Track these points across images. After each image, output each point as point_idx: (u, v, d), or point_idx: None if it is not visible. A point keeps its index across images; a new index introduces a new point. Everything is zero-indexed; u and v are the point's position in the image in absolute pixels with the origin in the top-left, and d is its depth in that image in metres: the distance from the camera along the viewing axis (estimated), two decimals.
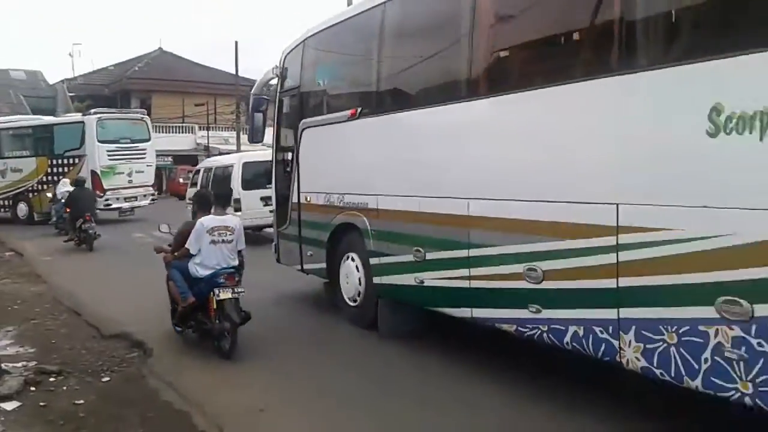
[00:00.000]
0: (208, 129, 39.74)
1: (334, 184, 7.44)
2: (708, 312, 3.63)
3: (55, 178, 20.27)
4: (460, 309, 5.65)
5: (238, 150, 30.25)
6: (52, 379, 5.99)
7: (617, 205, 4.11)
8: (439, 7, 6.03)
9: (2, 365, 6.05)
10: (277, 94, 8.79)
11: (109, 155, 20.83)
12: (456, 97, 5.60)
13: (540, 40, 5.10)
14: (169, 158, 37.22)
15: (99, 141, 20.68)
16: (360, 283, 7.22)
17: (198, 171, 17.16)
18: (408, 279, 6.25)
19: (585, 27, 4.62)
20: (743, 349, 3.50)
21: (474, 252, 5.35)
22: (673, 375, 3.89)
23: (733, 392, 3.58)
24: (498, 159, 5.17)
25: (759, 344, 3.42)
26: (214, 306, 6.35)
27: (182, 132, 41.12)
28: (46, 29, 75.55)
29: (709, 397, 3.77)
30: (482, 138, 5.35)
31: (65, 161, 21.01)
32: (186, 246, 6.62)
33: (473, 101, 5.39)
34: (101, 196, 19.36)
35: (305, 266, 8.31)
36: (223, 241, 6.60)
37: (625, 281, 4.11)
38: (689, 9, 3.99)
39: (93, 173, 20.30)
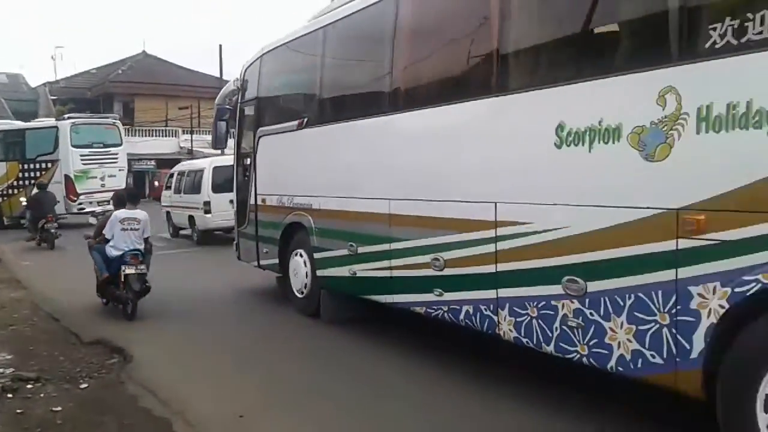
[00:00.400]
0: (191, 132, 40.00)
1: (286, 187, 8.32)
2: (557, 289, 4.45)
3: (28, 182, 20.62)
4: (384, 296, 6.52)
5: (222, 154, 30.90)
6: (29, 386, 5.94)
7: (495, 203, 4.95)
8: (364, 38, 7.03)
9: None
10: (238, 104, 9.65)
11: (82, 159, 21.19)
12: (375, 113, 6.53)
13: (437, 67, 6.03)
14: (153, 162, 37.61)
15: (72, 146, 21.02)
16: (306, 277, 8.07)
17: (172, 174, 17.99)
18: (344, 271, 7.10)
19: (468, 58, 5.56)
20: (580, 318, 4.31)
21: (394, 246, 6.21)
22: (534, 342, 4.70)
23: (575, 354, 4.39)
24: (409, 164, 6.04)
25: (591, 314, 4.23)
26: (122, 279, 8.23)
27: (166, 135, 41.35)
28: (27, 31, 75.61)
29: (559, 359, 4.60)
30: (396, 146, 6.23)
31: (38, 166, 21.30)
32: (103, 233, 8.59)
33: (388, 116, 6.31)
34: (74, 200, 19.86)
35: (261, 262, 9.17)
36: (131, 229, 8.52)
37: (501, 267, 4.93)
38: (541, 47, 4.93)
39: (66, 177, 20.70)
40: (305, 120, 7.79)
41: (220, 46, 31.60)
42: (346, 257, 7.04)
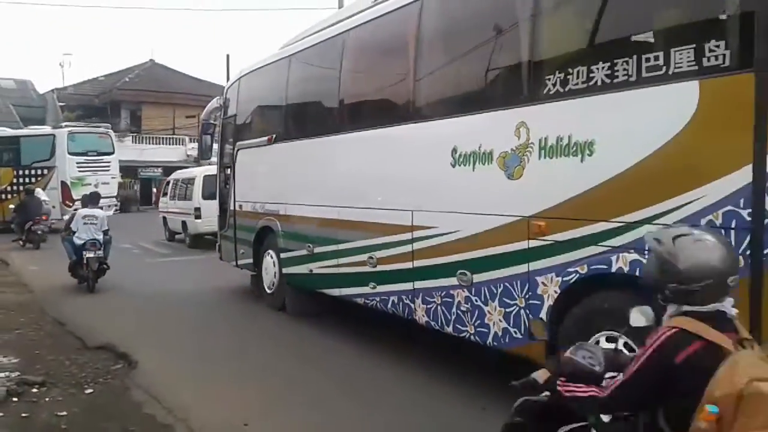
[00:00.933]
0: (198, 141, 40.58)
1: (259, 195, 9.55)
2: (453, 281, 5.61)
3: (23, 188, 20.95)
4: (334, 290, 7.69)
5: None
6: (35, 390, 5.95)
7: (412, 211, 6.11)
8: (318, 69, 8.21)
9: None
10: (221, 120, 10.94)
11: (78, 167, 22.03)
12: (324, 133, 7.83)
13: (367, 97, 7.45)
14: (159, 169, 37.90)
15: (69, 153, 21.86)
16: (275, 275, 9.21)
17: (168, 182, 19.20)
18: (303, 269, 8.28)
19: (390, 92, 6.91)
20: (469, 304, 5.42)
21: (341, 246, 7.34)
22: (439, 325, 5.87)
23: (466, 333, 5.55)
24: (350, 177, 7.27)
25: (475, 300, 5.36)
26: (85, 261, 10.99)
27: (172, 143, 41.43)
28: (36, 38, 76.99)
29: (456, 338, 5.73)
30: (340, 161, 7.52)
31: (34, 172, 22.05)
32: (70, 226, 11.35)
33: (334, 136, 7.59)
34: (70, 206, 20.09)
35: (239, 262, 10.38)
36: (91, 223, 11.34)
37: (416, 263, 6.10)
38: (440, 88, 6.23)
39: (63, 183, 21.54)
40: (274, 136, 9.00)
41: (228, 55, 32.01)
42: (305, 257, 8.20)
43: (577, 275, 4.41)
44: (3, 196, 21.89)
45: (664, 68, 3.88)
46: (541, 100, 4.71)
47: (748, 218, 3.51)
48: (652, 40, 4.10)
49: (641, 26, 4.20)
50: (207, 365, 6.90)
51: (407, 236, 6.15)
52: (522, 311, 4.93)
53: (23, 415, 5.41)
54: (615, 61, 4.15)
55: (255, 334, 8.31)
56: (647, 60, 3.98)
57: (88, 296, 10.99)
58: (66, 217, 12.80)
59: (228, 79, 39.90)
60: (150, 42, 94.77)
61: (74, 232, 11.17)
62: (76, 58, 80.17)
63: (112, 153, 23.42)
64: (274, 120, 9.41)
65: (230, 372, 6.62)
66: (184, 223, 17.98)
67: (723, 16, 3.73)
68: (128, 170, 32.18)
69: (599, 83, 4.28)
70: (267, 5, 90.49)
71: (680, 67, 3.80)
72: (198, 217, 16.70)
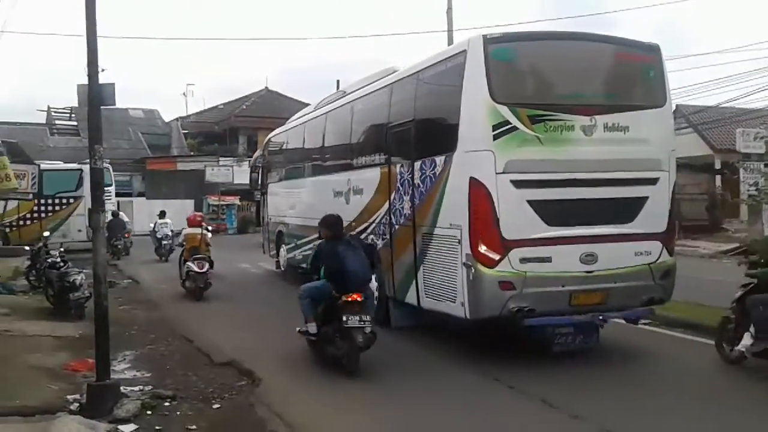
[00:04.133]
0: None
1: (276, 212, 16.37)
2: None
3: (45, 215, 23.57)
4: (303, 266, 12.83)
5: None
6: (166, 404, 6.30)
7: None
8: (293, 142, 15.17)
9: (121, 388, 6.44)
10: (261, 165, 17.84)
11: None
12: (298, 176, 14.46)
13: (312, 160, 13.65)
14: None
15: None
16: (285, 259, 15.44)
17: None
18: (293, 254, 14.58)
19: (323, 158, 12.91)
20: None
21: (306, 239, 12.97)
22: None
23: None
24: (310, 201, 13.27)
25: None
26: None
27: None
28: (162, 71, 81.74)
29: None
30: (305, 193, 13.95)
31: (58, 201, 23.92)
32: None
33: (300, 179, 14.29)
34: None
35: (270, 253, 16.91)
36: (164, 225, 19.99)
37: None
38: (339, 159, 12.12)
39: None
40: (281, 177, 16.09)
41: (338, 81, 32.19)
42: (294, 247, 14.53)
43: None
44: (21, 223, 23.53)
45: (377, 160, 9.92)
46: (353, 169, 10.97)
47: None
48: (376, 151, 10.08)
49: (373, 146, 10.28)
50: (329, 384, 7.02)
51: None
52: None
53: (157, 428, 5.63)
54: (364, 155, 10.62)
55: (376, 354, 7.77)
56: (376, 156, 10.06)
57: (213, 315, 11.27)
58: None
59: None
60: (265, 70, 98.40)
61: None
62: (198, 88, 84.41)
63: (111, 185, 24.29)
64: (280, 167, 16.36)
65: (352, 390, 6.71)
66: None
67: (382, 149, 9.80)
68: (246, 193, 32.70)
69: (365, 164, 10.51)
70: (376, 30, 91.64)
71: (378, 162, 9.85)
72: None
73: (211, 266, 13.10)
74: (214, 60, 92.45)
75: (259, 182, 17.60)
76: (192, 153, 42.21)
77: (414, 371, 7.52)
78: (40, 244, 13.84)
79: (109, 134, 42.13)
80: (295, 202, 14.43)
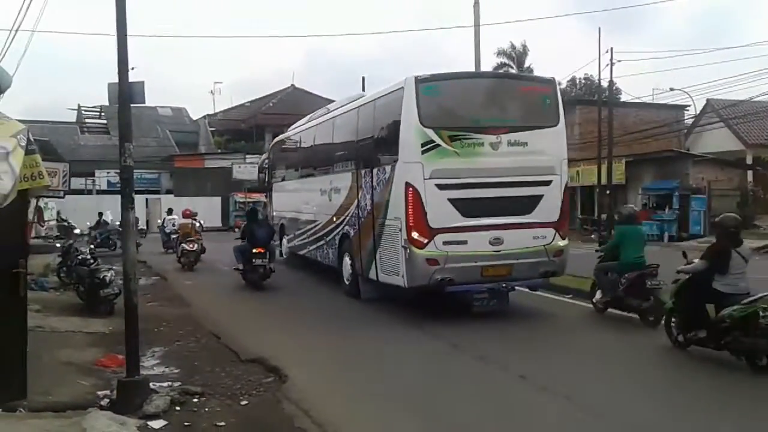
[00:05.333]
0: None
1: (279, 207, 18.76)
2: (322, 243, 13.82)
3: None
4: (303, 252, 15.75)
5: None
6: (195, 400, 6.31)
7: (317, 213, 14.43)
8: (290, 148, 18.02)
9: (150, 384, 6.45)
10: (267, 167, 20.55)
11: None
12: (295, 177, 17.06)
13: (303, 163, 16.50)
14: None
15: None
16: (287, 248, 17.24)
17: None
18: (293, 243, 16.61)
19: (321, 158, 14.82)
20: (327, 251, 13.87)
21: (303, 230, 15.53)
22: (329, 264, 13.85)
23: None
24: (305, 198, 15.57)
25: (328, 250, 13.46)
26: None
27: None
28: (191, 69, 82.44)
29: None
30: (302, 190, 16.16)
31: None
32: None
33: (298, 180, 16.80)
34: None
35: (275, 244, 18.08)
36: (172, 224, 22.28)
37: (320, 235, 14.17)
38: (319, 164, 14.89)
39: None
40: (283, 177, 18.51)
41: (363, 78, 32.08)
42: (293, 237, 16.69)
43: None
44: None
45: (349, 166, 12.57)
46: (333, 173, 13.47)
47: None
48: (349, 159, 12.72)
49: (347, 155, 12.89)
50: (354, 380, 7.13)
51: (317, 224, 14.10)
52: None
53: (186, 424, 5.68)
54: (341, 162, 13.16)
55: (405, 360, 8.05)
56: (349, 163, 12.63)
57: (240, 311, 11.38)
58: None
59: None
60: (291, 67, 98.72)
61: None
62: (225, 86, 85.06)
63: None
64: (281, 169, 18.83)
65: (379, 389, 6.76)
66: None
67: (353, 157, 12.54)
68: None
69: (341, 169, 12.99)
70: (404, 26, 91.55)
71: (350, 168, 12.46)
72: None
73: (203, 250, 17.86)
74: (241, 58, 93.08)
75: (265, 182, 20.44)
76: (219, 150, 42.51)
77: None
78: (71, 241, 14.02)
79: (137, 132, 42.22)
80: (292, 199, 17.07)
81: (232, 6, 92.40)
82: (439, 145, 9.66)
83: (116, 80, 6.63)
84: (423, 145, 9.65)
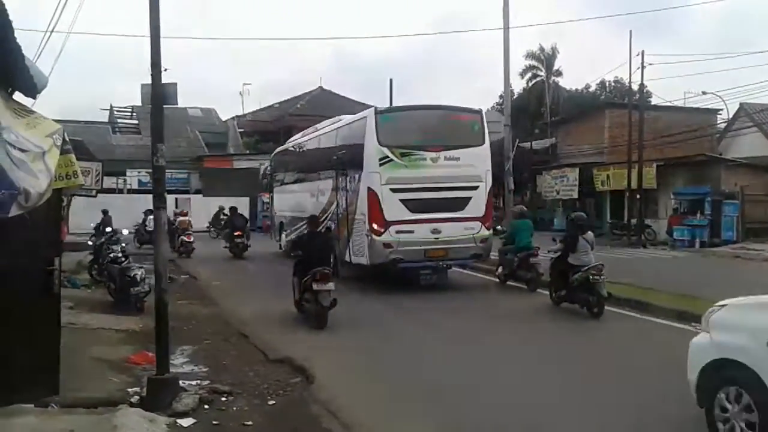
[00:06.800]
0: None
1: (279, 208, 22.20)
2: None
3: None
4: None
5: None
6: (223, 399, 6.37)
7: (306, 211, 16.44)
8: (288, 158, 22.07)
9: (180, 382, 6.51)
10: (269, 173, 24.44)
11: None
12: (292, 182, 20.94)
13: (301, 170, 19.94)
14: None
15: None
16: (286, 243, 19.62)
17: None
18: (291, 237, 18.44)
19: (310, 166, 18.54)
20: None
21: (296, 226, 18.14)
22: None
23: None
24: (298, 199, 19.18)
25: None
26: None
27: None
28: (219, 71, 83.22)
29: None
30: (295, 193, 19.99)
31: None
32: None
33: (293, 185, 20.62)
34: None
35: (275, 238, 22.17)
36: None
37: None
38: (308, 173, 18.71)
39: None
40: (281, 182, 22.28)
41: (391, 80, 32.05)
42: (290, 232, 19.08)
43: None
44: None
45: (331, 173, 15.81)
46: (320, 180, 16.89)
47: None
48: (330, 167, 15.80)
49: (329, 164, 15.95)
50: (380, 382, 7.17)
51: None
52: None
53: (214, 422, 5.74)
54: (325, 170, 16.34)
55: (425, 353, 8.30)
56: (330, 171, 15.78)
57: (266, 311, 11.19)
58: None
59: (391, 102, 41.22)
60: (319, 69, 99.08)
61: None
62: (254, 87, 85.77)
63: None
64: (280, 175, 22.27)
65: (405, 391, 6.78)
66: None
67: (333, 166, 15.79)
68: None
69: (326, 176, 16.32)
70: (434, 29, 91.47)
71: (331, 175, 15.70)
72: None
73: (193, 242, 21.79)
74: (269, 60, 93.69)
75: (268, 186, 24.73)
76: (248, 151, 42.73)
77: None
78: (103, 239, 14.24)
79: (168, 132, 42.42)
80: (289, 200, 20.78)
81: (264, 7, 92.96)
82: (392, 160, 13.03)
83: (149, 81, 6.70)
84: (380, 159, 13.00)
